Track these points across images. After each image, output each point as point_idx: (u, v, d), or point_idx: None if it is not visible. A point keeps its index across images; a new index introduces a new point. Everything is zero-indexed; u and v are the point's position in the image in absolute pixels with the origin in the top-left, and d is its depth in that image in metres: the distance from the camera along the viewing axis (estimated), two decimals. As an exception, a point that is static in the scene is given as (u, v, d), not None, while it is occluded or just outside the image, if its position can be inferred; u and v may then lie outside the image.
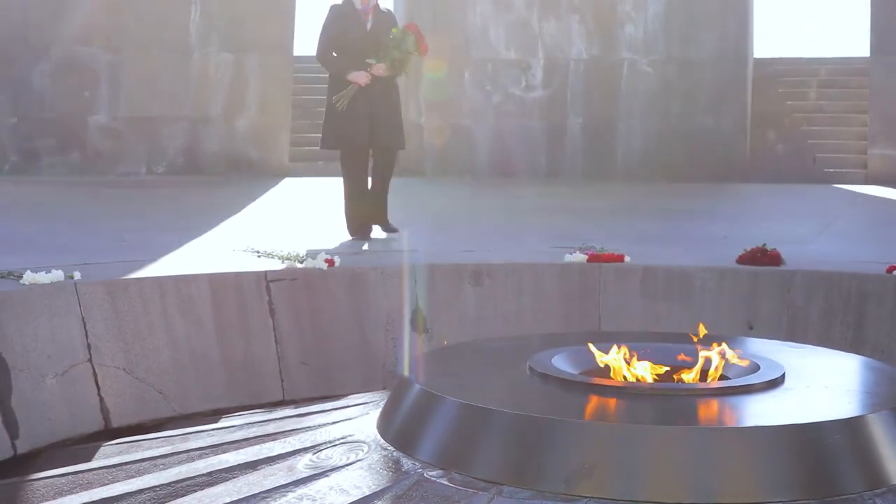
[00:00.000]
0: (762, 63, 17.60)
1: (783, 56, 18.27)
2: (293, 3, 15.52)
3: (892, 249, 7.92)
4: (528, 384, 3.72)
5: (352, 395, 5.11)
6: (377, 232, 8.20)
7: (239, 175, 15.12)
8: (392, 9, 16.65)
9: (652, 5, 15.42)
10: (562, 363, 3.84)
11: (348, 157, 8.12)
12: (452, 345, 4.96)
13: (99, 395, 5.55)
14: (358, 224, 8.09)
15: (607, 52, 15.54)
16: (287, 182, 14.54)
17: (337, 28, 7.93)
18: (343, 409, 4.28)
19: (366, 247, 7.61)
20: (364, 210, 8.10)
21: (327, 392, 6.13)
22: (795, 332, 6.45)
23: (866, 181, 15.06)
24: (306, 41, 24.17)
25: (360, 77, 7.81)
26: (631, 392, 3.60)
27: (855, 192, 13.84)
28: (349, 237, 8.03)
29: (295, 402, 5.89)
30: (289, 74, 15.62)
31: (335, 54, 7.98)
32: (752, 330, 6.53)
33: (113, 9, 14.50)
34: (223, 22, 15.00)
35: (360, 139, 7.95)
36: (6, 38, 14.25)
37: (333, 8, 8.00)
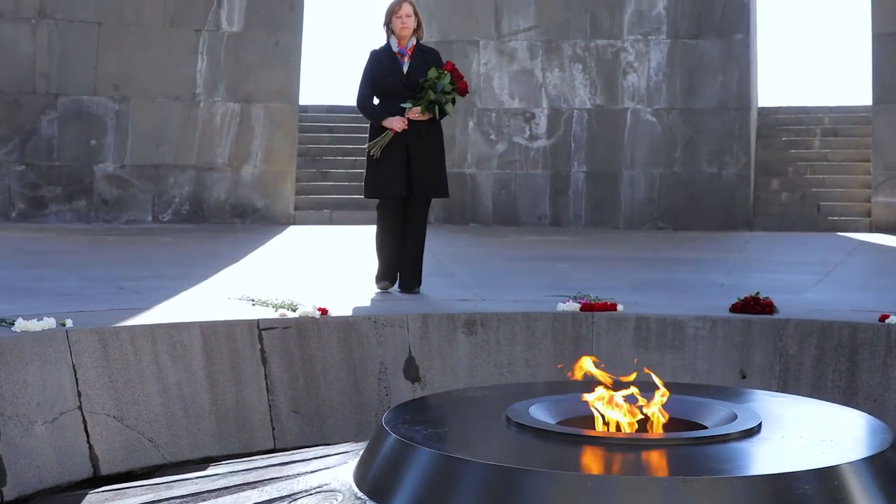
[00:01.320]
0: (766, 111, 17.70)
1: (787, 105, 18.36)
2: (299, 53, 15.68)
3: (889, 298, 7.92)
4: (504, 434, 3.72)
5: (335, 444, 5.12)
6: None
7: (244, 223, 15.22)
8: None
9: (654, 55, 15.54)
10: (539, 413, 3.85)
11: (382, 207, 7.77)
12: (433, 394, 4.97)
13: (88, 442, 5.56)
14: (385, 274, 7.77)
15: (610, 102, 15.65)
16: (291, 230, 14.62)
17: (375, 73, 7.66)
18: (323, 458, 4.29)
19: (365, 296, 7.60)
20: (393, 261, 7.76)
21: (319, 440, 6.13)
22: (788, 380, 6.45)
23: (870, 229, 15.07)
24: (312, 90, 24.45)
25: (394, 122, 7.51)
26: (606, 442, 3.60)
27: (858, 240, 13.84)
28: (375, 287, 7.76)
29: (285, 451, 5.88)
30: (294, 123, 15.75)
31: (377, 100, 7.70)
32: (745, 378, 6.54)
33: (120, 58, 14.68)
34: (229, 71, 15.16)
35: (395, 189, 7.62)
36: (14, 87, 14.42)
37: (372, 53, 7.74)
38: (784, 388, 6.37)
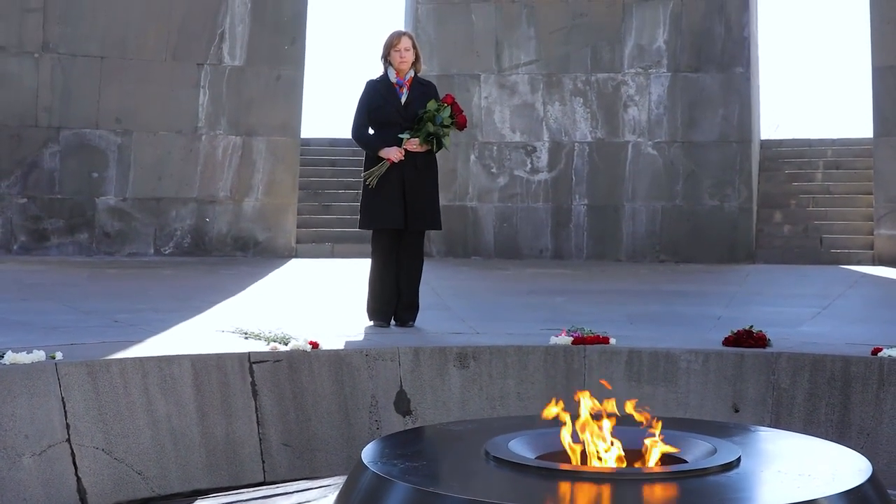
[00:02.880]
0: (769, 144, 17.74)
1: (790, 137, 18.38)
2: (300, 86, 15.75)
3: (886, 330, 7.90)
4: (483, 469, 3.71)
5: (319, 478, 5.11)
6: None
7: (245, 256, 15.24)
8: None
9: (655, 88, 15.59)
10: (519, 447, 3.83)
11: (377, 238, 7.71)
12: (414, 428, 4.95)
13: (76, 474, 5.56)
14: (379, 309, 7.71)
15: (611, 135, 15.69)
16: (292, 263, 14.64)
17: (371, 103, 7.64)
18: (305, 492, 4.28)
19: (358, 329, 7.58)
20: (388, 294, 7.69)
21: (309, 474, 6.12)
22: (781, 414, 6.42)
23: (873, 262, 15.05)
24: (314, 124, 24.64)
25: (391, 153, 7.47)
26: (584, 476, 3.58)
27: (860, 273, 13.82)
28: (370, 321, 7.70)
29: (275, 484, 5.87)
30: (296, 156, 15.82)
31: (372, 130, 7.68)
32: (738, 412, 6.51)
33: (122, 92, 14.77)
34: (231, 105, 15.24)
35: (392, 220, 7.55)
36: (17, 120, 14.51)
37: (369, 83, 7.72)
38: (777, 421, 6.35)
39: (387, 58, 7.68)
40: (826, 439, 6.08)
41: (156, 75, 14.87)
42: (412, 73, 7.68)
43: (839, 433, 6.24)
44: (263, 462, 6.17)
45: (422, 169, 7.63)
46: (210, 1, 15.08)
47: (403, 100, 7.63)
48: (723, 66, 15.49)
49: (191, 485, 5.91)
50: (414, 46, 7.70)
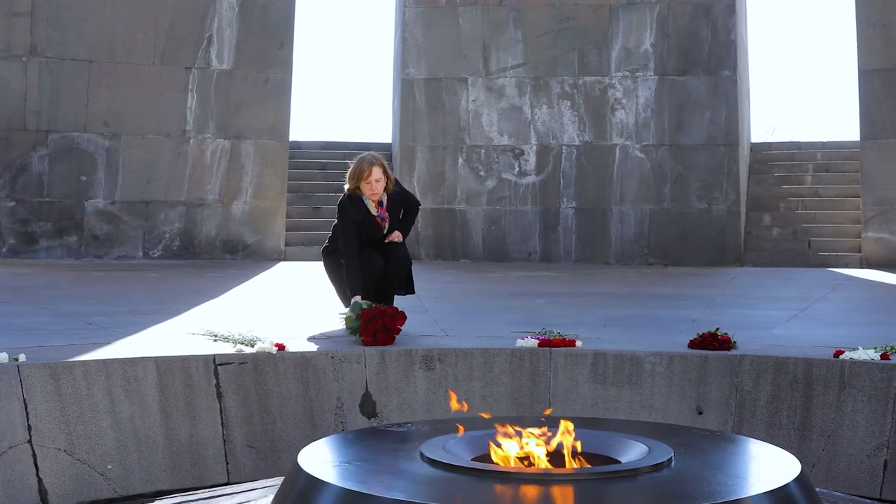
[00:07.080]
0: (759, 147, 17.79)
1: (780, 140, 18.43)
2: (289, 89, 15.81)
3: (858, 333, 7.91)
4: (417, 470, 3.74)
5: (263, 480, 5.15)
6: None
7: (234, 259, 15.30)
8: (392, 88, 16.91)
9: (642, 92, 15.63)
10: (455, 448, 3.87)
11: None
12: (355, 430, 4.99)
13: (37, 475, 5.62)
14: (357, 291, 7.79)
15: (599, 138, 15.74)
16: (280, 266, 14.68)
17: (356, 226, 7.70)
18: (246, 493, 4.32)
19: (328, 331, 7.63)
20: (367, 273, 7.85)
21: (273, 475, 6.15)
22: (744, 416, 6.46)
23: (861, 265, 15.07)
24: (304, 127, 24.78)
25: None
26: (515, 477, 3.62)
27: (845, 276, 13.83)
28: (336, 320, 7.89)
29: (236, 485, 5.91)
30: (284, 160, 15.87)
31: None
32: (702, 415, 6.55)
33: (110, 95, 14.84)
34: (219, 108, 15.30)
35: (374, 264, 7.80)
36: (6, 124, 14.59)
37: (344, 211, 7.70)
38: (739, 424, 6.39)
39: (357, 187, 7.66)
40: (787, 441, 6.17)
41: (144, 79, 14.95)
42: (386, 198, 7.77)
43: (801, 435, 6.28)
44: (227, 463, 6.22)
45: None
46: (198, 5, 15.15)
47: (385, 230, 7.82)
48: (710, 70, 15.53)
49: (154, 486, 5.96)
50: (385, 172, 7.69)
